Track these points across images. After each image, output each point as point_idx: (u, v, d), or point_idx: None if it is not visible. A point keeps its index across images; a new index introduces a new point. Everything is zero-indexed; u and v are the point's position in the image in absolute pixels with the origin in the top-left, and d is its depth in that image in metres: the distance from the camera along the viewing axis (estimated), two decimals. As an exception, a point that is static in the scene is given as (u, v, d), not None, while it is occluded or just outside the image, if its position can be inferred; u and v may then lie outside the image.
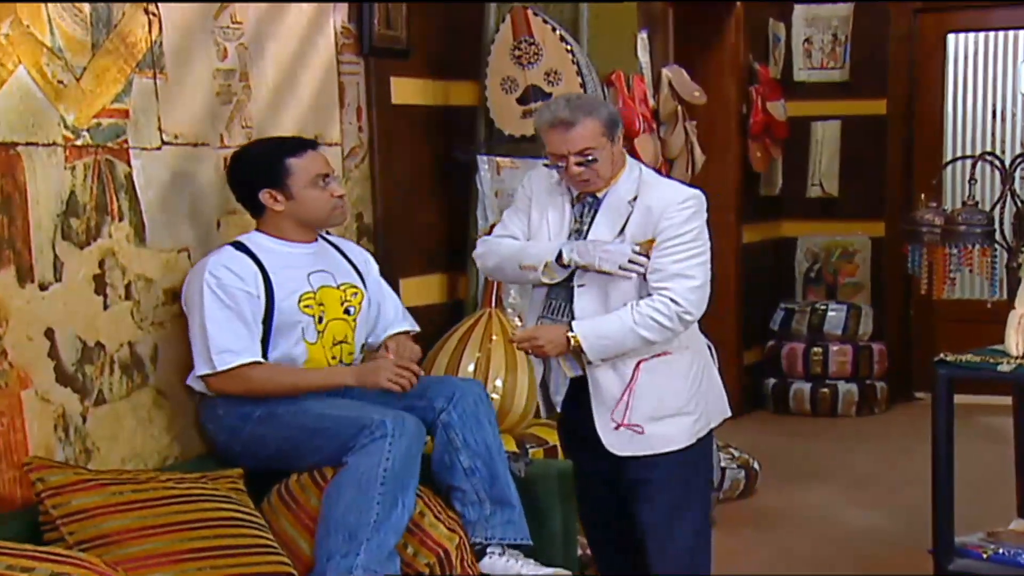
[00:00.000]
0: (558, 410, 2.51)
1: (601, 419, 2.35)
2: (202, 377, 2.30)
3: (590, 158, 2.29)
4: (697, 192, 2.36)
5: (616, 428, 2.34)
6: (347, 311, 2.42)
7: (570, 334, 2.29)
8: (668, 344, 2.34)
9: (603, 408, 2.35)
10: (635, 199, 2.32)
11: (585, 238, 2.34)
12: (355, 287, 2.45)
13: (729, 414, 2.54)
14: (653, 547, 2.42)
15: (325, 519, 2.17)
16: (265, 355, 2.32)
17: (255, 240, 2.38)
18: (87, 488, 2.02)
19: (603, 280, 2.31)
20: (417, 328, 2.61)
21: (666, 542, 2.41)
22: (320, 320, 2.37)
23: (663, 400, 2.36)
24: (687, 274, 2.29)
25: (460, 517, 2.34)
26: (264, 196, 2.36)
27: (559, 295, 2.39)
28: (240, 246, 2.36)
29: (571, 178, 2.34)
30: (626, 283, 2.31)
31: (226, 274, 2.28)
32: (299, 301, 2.34)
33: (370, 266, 2.54)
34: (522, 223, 2.44)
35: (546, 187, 2.42)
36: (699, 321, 2.41)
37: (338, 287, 2.42)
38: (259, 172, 2.37)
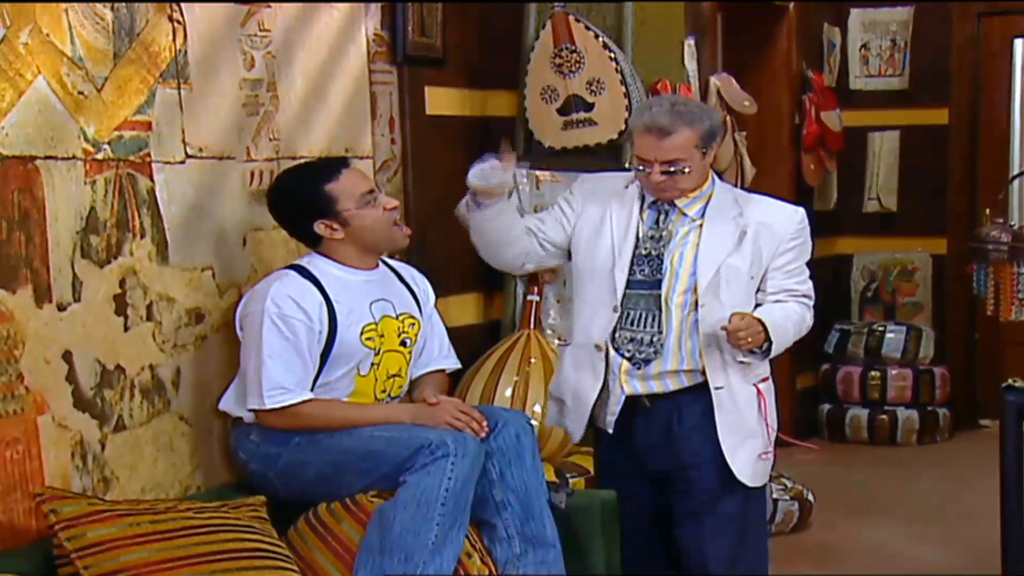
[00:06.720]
0: (609, 430, 2.39)
1: (731, 443, 2.30)
2: (251, 409, 2.25)
3: (675, 169, 2.24)
4: (803, 210, 2.40)
5: (763, 455, 2.34)
6: (403, 343, 2.36)
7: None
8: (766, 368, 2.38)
9: (733, 432, 2.30)
10: (740, 214, 2.31)
11: (665, 244, 2.29)
12: (413, 317, 2.39)
13: None
14: None
15: (375, 542, 2.10)
16: (313, 385, 2.25)
17: (318, 265, 2.30)
18: (103, 519, 1.95)
19: (722, 299, 2.28)
20: (458, 365, 2.54)
21: None
22: (378, 353, 2.31)
23: (770, 427, 2.40)
24: (810, 294, 2.40)
25: (489, 554, 2.25)
26: (320, 228, 2.29)
27: (638, 305, 2.30)
28: (303, 272, 2.28)
29: (650, 184, 2.29)
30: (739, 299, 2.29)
31: (289, 304, 2.21)
32: (361, 333, 2.28)
33: (428, 296, 2.48)
34: (554, 218, 2.43)
35: (607, 190, 2.39)
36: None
37: (397, 317, 2.35)
38: (305, 205, 2.29)
